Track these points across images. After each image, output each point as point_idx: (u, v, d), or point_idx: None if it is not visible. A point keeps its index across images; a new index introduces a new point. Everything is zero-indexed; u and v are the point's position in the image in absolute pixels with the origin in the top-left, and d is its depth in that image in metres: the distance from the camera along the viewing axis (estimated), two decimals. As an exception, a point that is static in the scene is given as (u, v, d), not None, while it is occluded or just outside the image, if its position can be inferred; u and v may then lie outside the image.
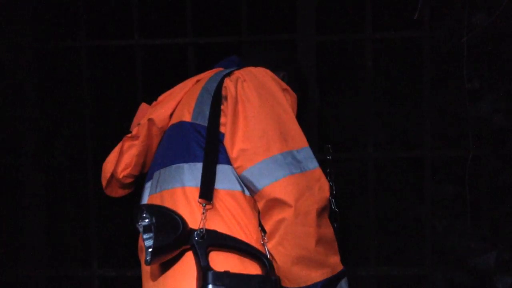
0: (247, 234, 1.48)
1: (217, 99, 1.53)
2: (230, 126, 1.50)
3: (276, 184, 1.44)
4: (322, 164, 2.18)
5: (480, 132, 2.17)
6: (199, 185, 1.49)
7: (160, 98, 1.72)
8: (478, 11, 2.05)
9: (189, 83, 1.68)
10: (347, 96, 3.04)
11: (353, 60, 2.98)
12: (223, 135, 1.51)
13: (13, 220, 2.39)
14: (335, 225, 2.01)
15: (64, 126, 2.75)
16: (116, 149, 1.66)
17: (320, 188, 1.49)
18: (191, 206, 1.49)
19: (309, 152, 1.51)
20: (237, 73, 1.55)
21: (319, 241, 1.46)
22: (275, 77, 1.57)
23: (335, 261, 1.50)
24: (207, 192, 1.48)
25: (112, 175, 1.66)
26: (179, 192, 1.51)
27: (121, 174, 1.65)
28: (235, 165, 1.49)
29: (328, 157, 2.12)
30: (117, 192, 1.72)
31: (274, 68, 1.72)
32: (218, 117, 1.51)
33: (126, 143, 1.65)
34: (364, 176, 2.35)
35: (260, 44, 1.88)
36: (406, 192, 2.74)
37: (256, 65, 1.68)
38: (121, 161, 1.65)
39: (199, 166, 1.51)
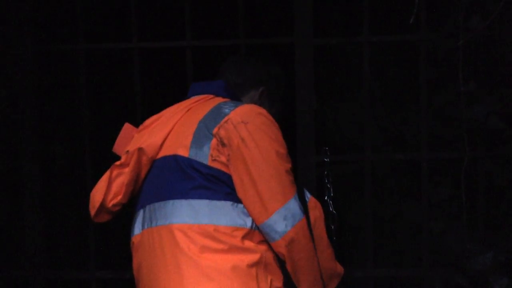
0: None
1: (218, 139, 1.57)
2: (243, 173, 1.56)
3: (296, 227, 1.59)
4: (320, 166, 2.20)
5: (476, 135, 2.19)
6: (200, 222, 1.55)
7: (147, 122, 1.72)
8: (474, 15, 2.07)
9: (178, 110, 1.69)
10: (344, 98, 3.05)
11: (351, 63, 3.00)
12: (224, 173, 1.57)
13: (12, 222, 2.39)
14: (332, 226, 2.02)
15: (62, 129, 2.76)
16: (104, 178, 1.66)
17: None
18: (192, 242, 1.54)
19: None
20: (236, 116, 1.59)
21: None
22: (267, 114, 1.65)
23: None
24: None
25: (102, 205, 1.66)
26: (178, 228, 1.56)
27: (110, 203, 1.66)
28: (254, 214, 1.57)
29: (326, 160, 2.14)
30: (104, 218, 1.72)
31: (254, 83, 1.81)
32: (220, 157, 1.57)
33: (114, 171, 1.65)
34: (361, 178, 2.36)
35: (239, 58, 1.93)
36: (403, 194, 2.75)
37: (239, 83, 1.79)
38: (110, 189, 1.65)
39: (199, 203, 1.56)
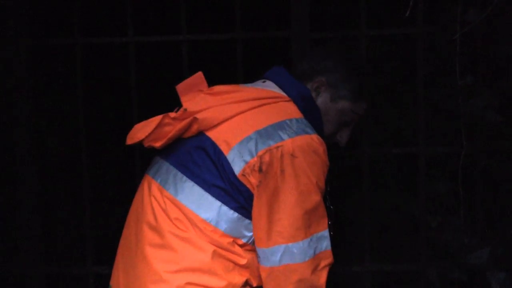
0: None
1: (258, 163, 1.54)
2: (266, 199, 1.53)
3: (291, 266, 1.55)
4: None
5: (473, 128, 2.18)
6: (206, 218, 1.55)
7: (219, 89, 1.66)
8: (471, 8, 2.06)
9: (252, 98, 1.63)
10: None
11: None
12: (247, 190, 1.55)
13: (8, 218, 2.38)
14: (330, 222, 2.01)
15: (58, 123, 2.75)
16: (154, 121, 1.62)
17: (324, 268, 1.60)
18: (192, 225, 1.55)
19: (325, 234, 1.61)
20: (289, 146, 1.54)
21: None
22: (322, 154, 1.58)
23: None
24: None
25: (140, 141, 1.64)
26: (186, 210, 1.56)
27: (148, 143, 1.64)
28: (256, 236, 1.56)
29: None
30: (133, 144, 1.69)
31: (312, 74, 1.73)
32: (250, 177, 1.54)
33: (166, 119, 1.62)
34: (359, 173, 2.36)
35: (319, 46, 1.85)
36: (400, 189, 2.75)
37: (300, 72, 1.72)
38: (154, 133, 1.62)
39: (213, 201, 1.56)
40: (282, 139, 1.54)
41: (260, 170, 1.53)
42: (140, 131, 1.63)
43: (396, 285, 2.57)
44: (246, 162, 1.53)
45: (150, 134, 1.61)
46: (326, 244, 1.60)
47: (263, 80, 1.75)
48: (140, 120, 1.70)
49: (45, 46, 2.40)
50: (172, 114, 1.62)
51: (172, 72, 2.42)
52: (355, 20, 2.31)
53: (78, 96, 2.37)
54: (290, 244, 1.53)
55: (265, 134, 1.56)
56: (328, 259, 1.60)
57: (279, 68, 1.77)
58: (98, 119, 2.94)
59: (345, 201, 2.84)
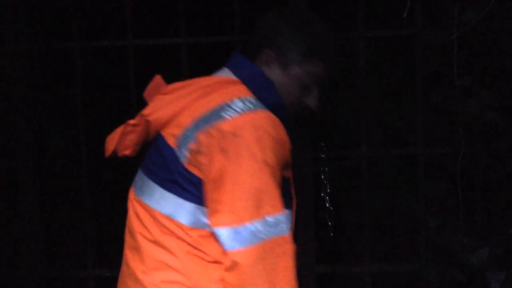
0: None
1: (196, 145, 1.52)
2: (212, 182, 1.50)
3: (242, 251, 1.47)
4: (317, 162, 2.19)
5: (472, 129, 2.19)
6: (168, 214, 1.55)
7: (171, 88, 1.66)
8: (468, 9, 2.07)
9: (201, 87, 1.61)
10: (340, 94, 3.05)
11: (346, 58, 2.99)
12: (197, 178, 1.52)
13: (9, 222, 2.39)
14: (330, 223, 2.02)
15: (58, 127, 2.76)
16: (118, 131, 1.64)
17: (282, 255, 1.50)
18: (158, 224, 1.56)
19: (280, 218, 1.50)
20: (230, 125, 1.49)
21: None
22: (271, 130, 1.51)
23: None
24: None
25: (113, 152, 1.66)
26: (150, 211, 1.58)
27: (120, 152, 1.66)
28: (210, 218, 1.52)
29: (322, 155, 2.14)
30: (117, 156, 1.71)
31: (261, 45, 1.64)
32: (195, 162, 1.52)
33: (128, 127, 1.64)
34: (358, 174, 2.36)
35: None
36: (400, 189, 2.75)
37: (249, 46, 1.67)
38: (121, 142, 1.64)
39: (169, 196, 1.56)
40: (223, 119, 1.50)
41: (198, 151, 1.50)
42: (110, 143, 1.65)
43: (396, 285, 2.57)
44: (187, 150, 1.52)
45: (117, 144, 1.63)
46: (281, 229, 1.49)
47: (222, 68, 1.71)
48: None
49: (44, 49, 2.40)
50: (132, 121, 1.63)
51: (171, 75, 2.42)
52: (353, 21, 2.32)
53: (77, 99, 2.37)
54: (236, 227, 1.46)
55: (207, 118, 1.53)
56: (285, 245, 1.49)
57: (236, 52, 1.72)
58: (97, 121, 2.95)
59: (344, 202, 2.85)
